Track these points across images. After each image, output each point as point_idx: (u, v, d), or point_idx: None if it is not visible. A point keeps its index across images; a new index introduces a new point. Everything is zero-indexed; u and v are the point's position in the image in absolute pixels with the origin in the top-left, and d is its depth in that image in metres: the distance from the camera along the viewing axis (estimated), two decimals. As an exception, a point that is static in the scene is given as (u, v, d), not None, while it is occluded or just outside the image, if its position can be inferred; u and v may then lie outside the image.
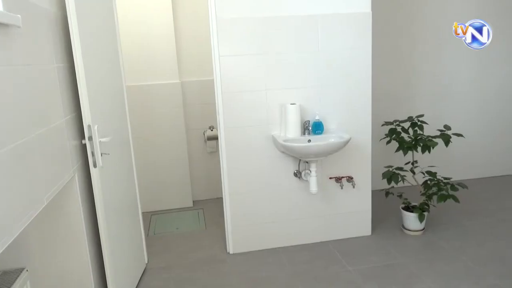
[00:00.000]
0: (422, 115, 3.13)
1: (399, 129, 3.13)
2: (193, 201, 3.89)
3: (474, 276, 2.53)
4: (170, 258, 2.93)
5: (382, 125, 3.20)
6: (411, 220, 3.07)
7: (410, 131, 3.12)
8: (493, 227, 3.16)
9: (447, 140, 2.97)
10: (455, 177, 3.46)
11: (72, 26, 1.86)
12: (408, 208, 3.11)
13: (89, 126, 1.97)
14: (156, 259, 2.91)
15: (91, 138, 1.99)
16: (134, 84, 3.47)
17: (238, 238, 2.94)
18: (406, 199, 3.16)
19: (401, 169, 3.06)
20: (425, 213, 3.02)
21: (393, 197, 3.16)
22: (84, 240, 2.05)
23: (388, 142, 3.15)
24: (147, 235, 3.25)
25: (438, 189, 2.97)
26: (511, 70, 4.05)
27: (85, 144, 2.01)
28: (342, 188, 2.96)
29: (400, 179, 2.99)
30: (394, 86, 3.88)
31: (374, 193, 3.12)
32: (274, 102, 2.79)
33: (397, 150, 3.09)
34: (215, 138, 3.62)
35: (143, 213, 2.89)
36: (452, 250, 2.86)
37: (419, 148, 3.01)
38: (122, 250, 2.38)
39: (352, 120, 2.90)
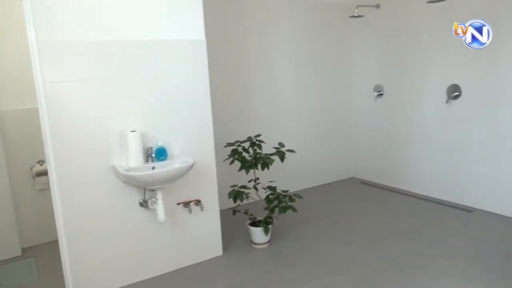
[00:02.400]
0: (259, 135, 3.37)
1: (240, 149, 3.31)
2: (22, 249, 3.34)
3: (314, 277, 2.80)
4: (-7, 323, 2.44)
5: (225, 146, 3.33)
6: (257, 234, 3.25)
7: (250, 150, 3.32)
8: (325, 230, 3.58)
9: (282, 156, 3.26)
10: (292, 189, 3.83)
11: None
12: (255, 223, 3.29)
13: None
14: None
15: None
16: None
17: (81, 282, 2.63)
18: (252, 214, 3.33)
19: (245, 187, 3.22)
20: (269, 226, 3.24)
21: (241, 214, 3.30)
22: None
23: (231, 162, 3.29)
24: (-41, 300, 2.65)
25: (278, 202, 3.22)
26: (316, 93, 4.72)
27: None
28: (191, 212, 2.95)
29: (244, 196, 3.15)
30: (234, 108, 4.11)
31: (223, 212, 3.21)
32: (113, 129, 2.63)
33: (240, 169, 3.25)
34: (46, 173, 3.21)
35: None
36: (293, 256, 3.12)
37: (259, 166, 3.22)
38: None
39: (195, 144, 2.93)
